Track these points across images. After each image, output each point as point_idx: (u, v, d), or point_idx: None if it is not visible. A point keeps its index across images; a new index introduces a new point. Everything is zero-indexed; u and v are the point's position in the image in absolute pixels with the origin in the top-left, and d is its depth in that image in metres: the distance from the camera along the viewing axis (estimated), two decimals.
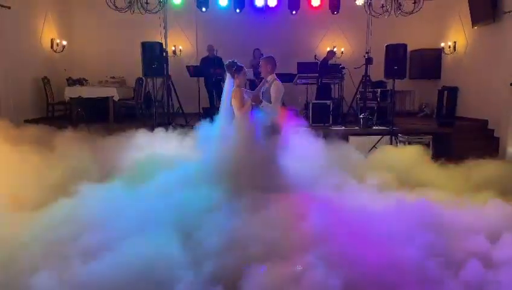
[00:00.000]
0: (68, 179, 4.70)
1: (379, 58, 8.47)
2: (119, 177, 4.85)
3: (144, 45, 8.20)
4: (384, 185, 5.08)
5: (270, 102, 4.92)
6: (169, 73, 9.08)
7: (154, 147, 5.86)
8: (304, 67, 9.29)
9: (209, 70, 9.51)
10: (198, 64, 9.91)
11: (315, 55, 10.09)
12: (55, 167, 5.04)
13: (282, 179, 4.66)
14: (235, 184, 4.25)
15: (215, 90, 9.79)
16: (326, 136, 5.43)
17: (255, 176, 4.41)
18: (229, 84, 5.01)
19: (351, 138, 7.90)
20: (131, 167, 5.17)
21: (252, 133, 4.65)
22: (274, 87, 4.92)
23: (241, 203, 3.96)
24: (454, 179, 4.90)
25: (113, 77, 9.99)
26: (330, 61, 9.73)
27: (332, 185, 4.88)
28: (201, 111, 9.70)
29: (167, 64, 8.86)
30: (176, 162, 5.00)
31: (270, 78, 5.02)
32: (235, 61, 5.01)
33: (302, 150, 5.19)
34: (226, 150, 4.54)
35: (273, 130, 4.76)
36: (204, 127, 5.06)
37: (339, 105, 9.15)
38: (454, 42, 10.18)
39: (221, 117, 5.05)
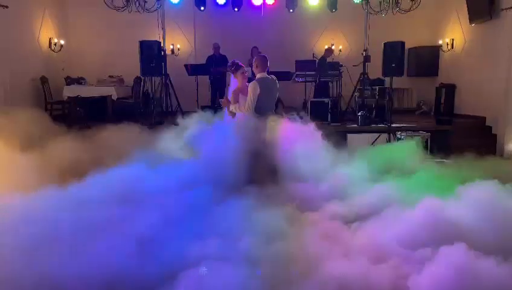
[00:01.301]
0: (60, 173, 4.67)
1: (377, 56, 8.50)
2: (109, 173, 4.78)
3: (142, 43, 8.21)
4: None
5: None
6: (167, 72, 9.09)
7: (150, 145, 5.85)
8: (302, 65, 9.31)
9: (210, 68, 9.52)
10: (204, 63, 9.85)
11: (313, 53, 10.11)
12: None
13: (276, 175, 4.74)
14: (229, 181, 4.28)
15: (218, 88, 9.83)
16: (324, 134, 5.43)
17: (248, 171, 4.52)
18: (231, 83, 5.22)
19: (349, 136, 7.93)
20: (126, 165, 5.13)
21: (245, 130, 4.74)
22: (249, 87, 4.94)
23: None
24: (447, 175, 4.86)
25: (112, 76, 10.00)
26: (328, 59, 9.74)
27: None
28: (199, 110, 9.72)
29: (165, 63, 8.88)
30: (169, 161, 5.00)
31: (258, 76, 5.07)
32: (236, 61, 5.20)
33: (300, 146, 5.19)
34: (221, 147, 4.59)
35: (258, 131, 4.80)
36: (200, 126, 5.09)
37: (337, 103, 9.16)
38: (452, 39, 10.21)
39: (225, 115, 5.25)
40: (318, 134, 5.14)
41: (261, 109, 4.94)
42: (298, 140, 4.87)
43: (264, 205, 3.90)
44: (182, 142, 5.53)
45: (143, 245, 3.11)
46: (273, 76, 5.22)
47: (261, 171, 4.65)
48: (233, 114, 5.10)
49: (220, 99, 5.37)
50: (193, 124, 5.57)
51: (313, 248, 3.25)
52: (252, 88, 4.89)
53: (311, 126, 5.16)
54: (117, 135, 6.23)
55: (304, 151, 4.77)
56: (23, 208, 3.53)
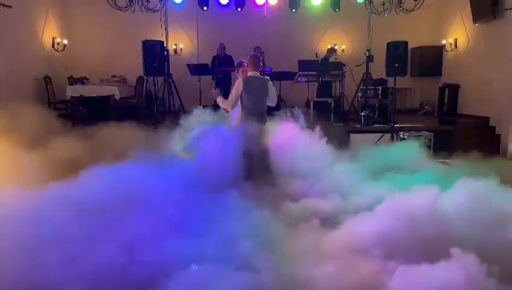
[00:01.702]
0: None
1: (380, 56, 8.46)
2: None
3: (145, 43, 8.21)
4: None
5: None
6: (170, 71, 9.09)
7: (150, 144, 5.83)
8: (305, 65, 9.29)
9: (214, 68, 9.50)
10: (206, 62, 9.84)
11: (316, 53, 10.09)
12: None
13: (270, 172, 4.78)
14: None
15: (222, 88, 9.81)
16: (327, 133, 5.43)
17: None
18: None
19: (352, 136, 7.92)
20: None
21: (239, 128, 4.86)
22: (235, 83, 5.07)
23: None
24: (449, 175, 4.82)
25: (114, 76, 10.01)
26: (331, 59, 9.73)
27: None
28: (200, 107, 9.71)
29: (168, 63, 8.88)
30: (167, 160, 5.00)
31: (248, 74, 5.13)
32: (241, 60, 5.34)
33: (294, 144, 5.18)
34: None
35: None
36: (199, 125, 5.12)
37: (340, 103, 9.14)
38: (455, 39, 10.17)
39: (232, 115, 5.32)
40: (314, 134, 5.15)
41: (246, 108, 4.95)
42: (293, 140, 4.89)
43: (255, 205, 3.88)
44: (181, 141, 5.53)
45: (136, 245, 3.08)
46: (266, 77, 5.26)
47: (254, 170, 4.68)
48: (225, 110, 5.25)
49: (213, 90, 5.40)
50: (193, 123, 5.56)
51: (303, 248, 3.25)
52: (235, 85, 5.01)
53: (305, 125, 5.18)
54: (117, 133, 6.23)
55: (299, 151, 4.79)
56: (18, 206, 3.51)
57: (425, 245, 2.98)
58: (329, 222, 3.78)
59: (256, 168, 4.72)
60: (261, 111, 5.06)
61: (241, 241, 3.20)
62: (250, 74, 5.08)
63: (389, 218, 3.29)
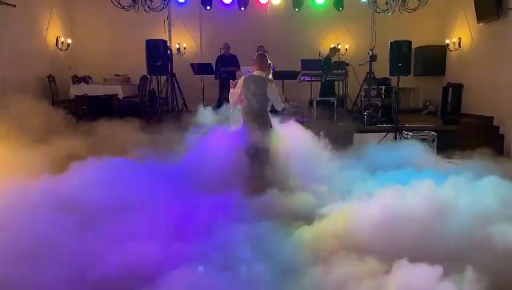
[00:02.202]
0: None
1: (383, 55, 8.45)
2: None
3: (148, 42, 8.23)
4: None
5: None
6: (173, 71, 9.11)
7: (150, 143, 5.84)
8: (308, 64, 9.27)
9: (220, 68, 9.49)
10: (209, 62, 9.83)
11: (319, 52, 10.07)
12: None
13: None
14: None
15: (225, 87, 9.84)
16: (330, 133, 5.42)
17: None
18: None
19: (356, 135, 7.89)
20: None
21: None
22: None
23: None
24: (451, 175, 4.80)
25: (118, 75, 10.04)
26: (334, 58, 9.71)
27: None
28: (203, 106, 9.72)
29: (171, 62, 8.89)
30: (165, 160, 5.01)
31: (253, 73, 5.08)
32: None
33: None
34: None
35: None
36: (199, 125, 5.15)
37: (343, 102, 9.12)
38: (459, 39, 10.13)
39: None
40: (316, 133, 5.16)
41: (245, 107, 4.89)
42: (294, 139, 4.89)
43: (250, 204, 3.89)
44: (181, 140, 5.54)
45: (128, 246, 3.05)
46: (269, 78, 5.12)
47: (251, 168, 4.67)
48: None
49: (231, 81, 5.24)
50: (195, 123, 5.58)
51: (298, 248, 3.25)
52: (238, 83, 4.95)
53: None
54: (119, 131, 6.25)
55: (300, 150, 4.79)
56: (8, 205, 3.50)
57: (421, 244, 3.00)
58: (326, 220, 3.78)
59: (253, 167, 4.69)
60: (259, 112, 4.84)
61: (235, 242, 3.20)
62: (254, 72, 5.03)
63: (384, 215, 3.32)
